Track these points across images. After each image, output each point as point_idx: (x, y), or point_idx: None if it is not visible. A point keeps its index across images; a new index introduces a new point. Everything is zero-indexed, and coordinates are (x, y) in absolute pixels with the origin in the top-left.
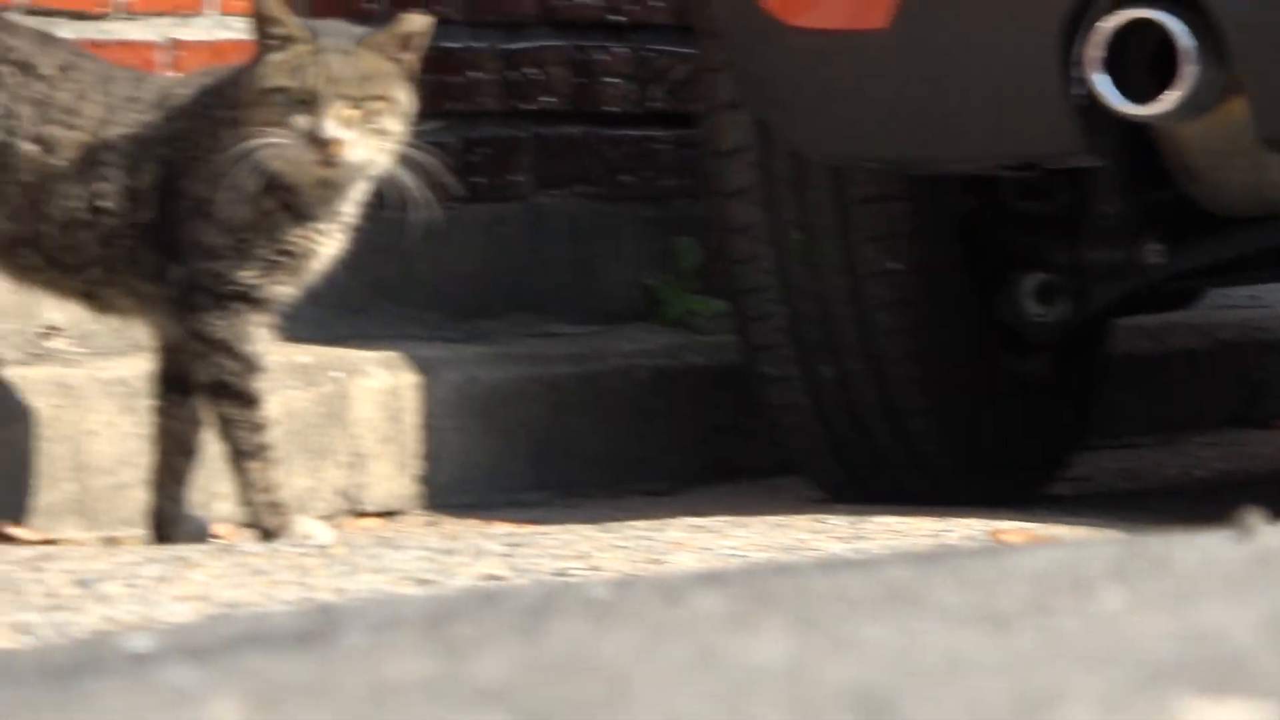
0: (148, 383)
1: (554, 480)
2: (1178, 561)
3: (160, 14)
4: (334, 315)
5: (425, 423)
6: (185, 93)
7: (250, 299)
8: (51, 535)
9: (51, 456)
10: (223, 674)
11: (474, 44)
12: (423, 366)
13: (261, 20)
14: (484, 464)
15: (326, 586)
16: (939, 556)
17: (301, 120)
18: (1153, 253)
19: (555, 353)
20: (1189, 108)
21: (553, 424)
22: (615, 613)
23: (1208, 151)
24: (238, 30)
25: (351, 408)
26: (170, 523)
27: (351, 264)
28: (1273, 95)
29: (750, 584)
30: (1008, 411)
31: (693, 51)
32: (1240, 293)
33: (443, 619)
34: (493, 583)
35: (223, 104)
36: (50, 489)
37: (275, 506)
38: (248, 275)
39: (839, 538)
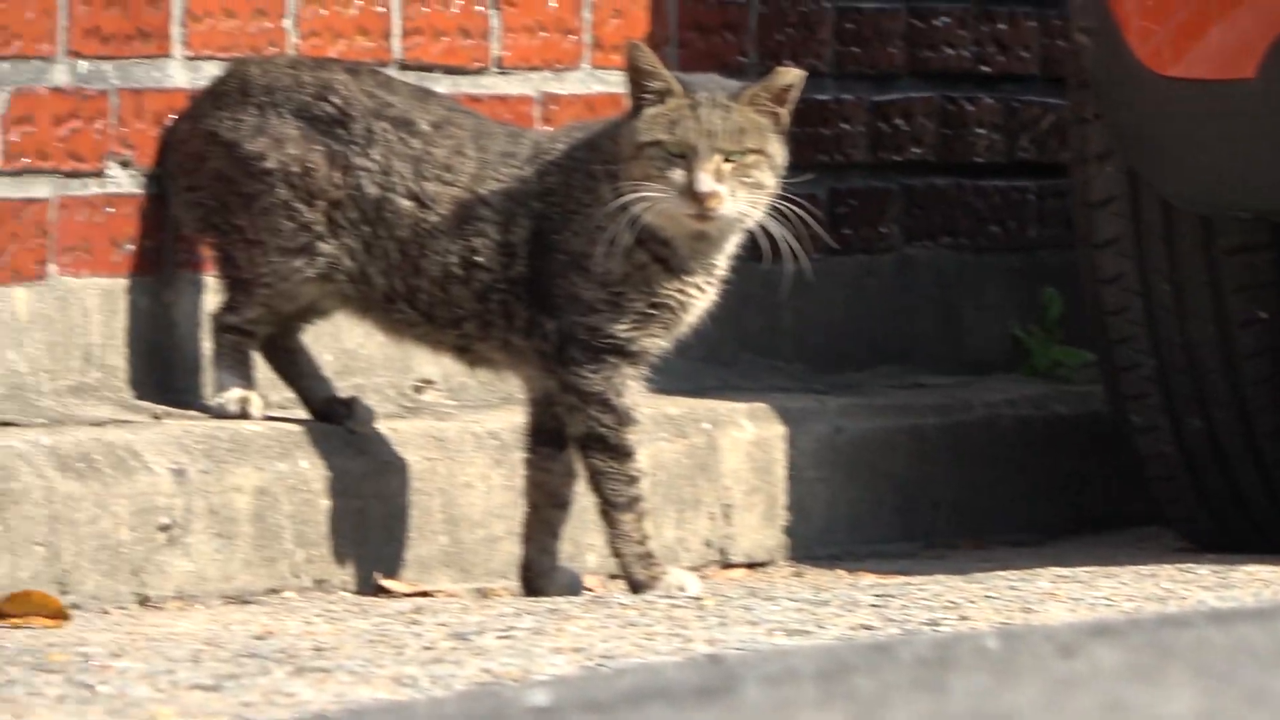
0: (519, 436)
1: (919, 531)
2: None
3: (534, 68)
4: (702, 367)
5: (792, 474)
6: (558, 147)
7: (624, 352)
8: (424, 587)
9: (425, 509)
10: None
11: (843, 96)
12: (790, 418)
13: (638, 74)
14: (849, 515)
15: (701, 638)
16: None
17: (677, 174)
18: None
19: (921, 403)
20: None
21: (918, 474)
22: (1012, 666)
23: None
24: (611, 84)
25: (721, 459)
26: (542, 575)
27: (719, 316)
28: None
29: (1143, 636)
30: None
31: (1060, 102)
32: None
33: (838, 672)
34: (867, 633)
35: (597, 158)
36: (423, 541)
37: (647, 558)
38: (622, 329)
39: (1205, 587)
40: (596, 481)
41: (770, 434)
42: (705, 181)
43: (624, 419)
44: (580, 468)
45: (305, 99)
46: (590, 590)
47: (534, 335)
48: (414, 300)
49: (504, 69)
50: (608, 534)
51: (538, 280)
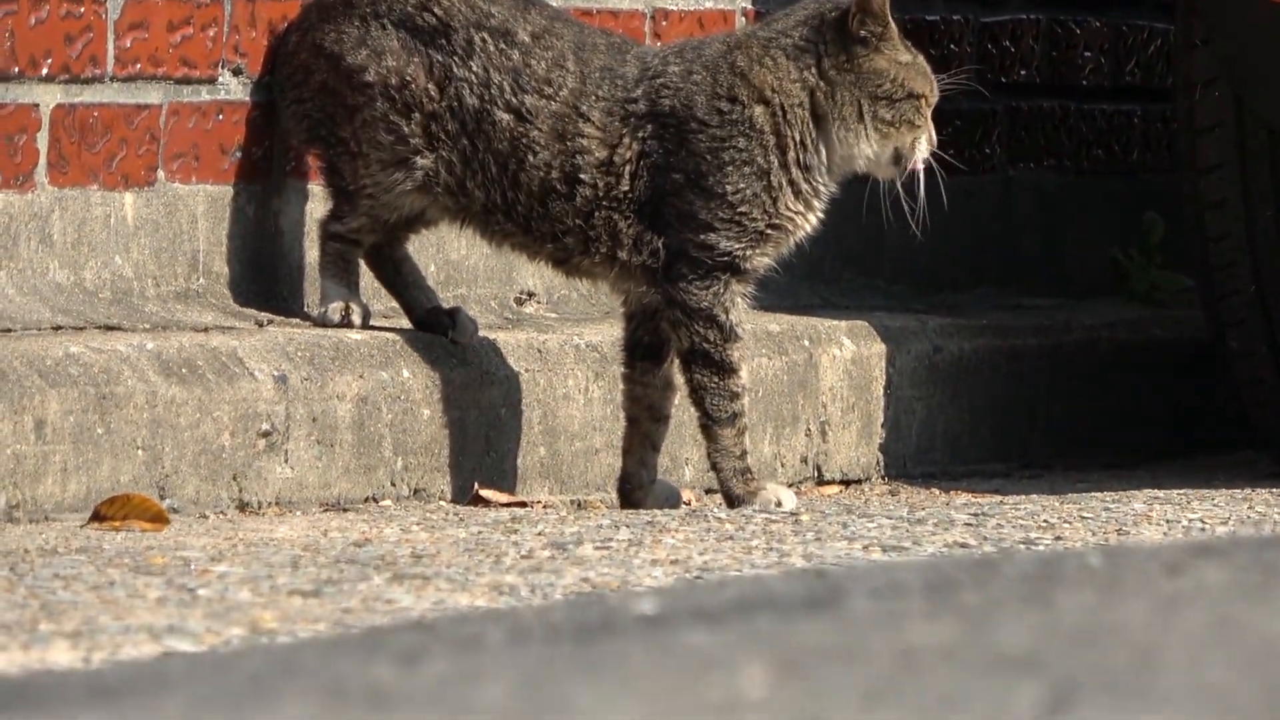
0: (618, 349)
1: (1015, 452)
2: None
3: None
4: (804, 285)
5: (889, 392)
6: (672, 69)
7: (737, 269)
8: (522, 498)
9: (525, 420)
10: (740, 638)
11: (952, 16)
12: (889, 336)
13: (867, 10)
14: (946, 434)
15: (798, 553)
16: None
17: (923, 129)
18: None
19: (1019, 324)
20: None
21: (1015, 396)
22: (1118, 583)
23: None
24: (723, 2)
25: (819, 376)
26: (640, 488)
27: (821, 234)
28: None
29: (1248, 555)
30: None
31: (1168, 26)
32: None
33: (944, 586)
34: (964, 553)
35: (721, 83)
36: (523, 452)
37: (745, 473)
38: (739, 247)
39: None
40: (699, 396)
41: (869, 352)
42: (933, 137)
43: (729, 335)
44: (682, 382)
45: (408, 10)
46: (687, 504)
47: (640, 251)
48: (512, 213)
49: None
50: (707, 448)
51: (647, 197)
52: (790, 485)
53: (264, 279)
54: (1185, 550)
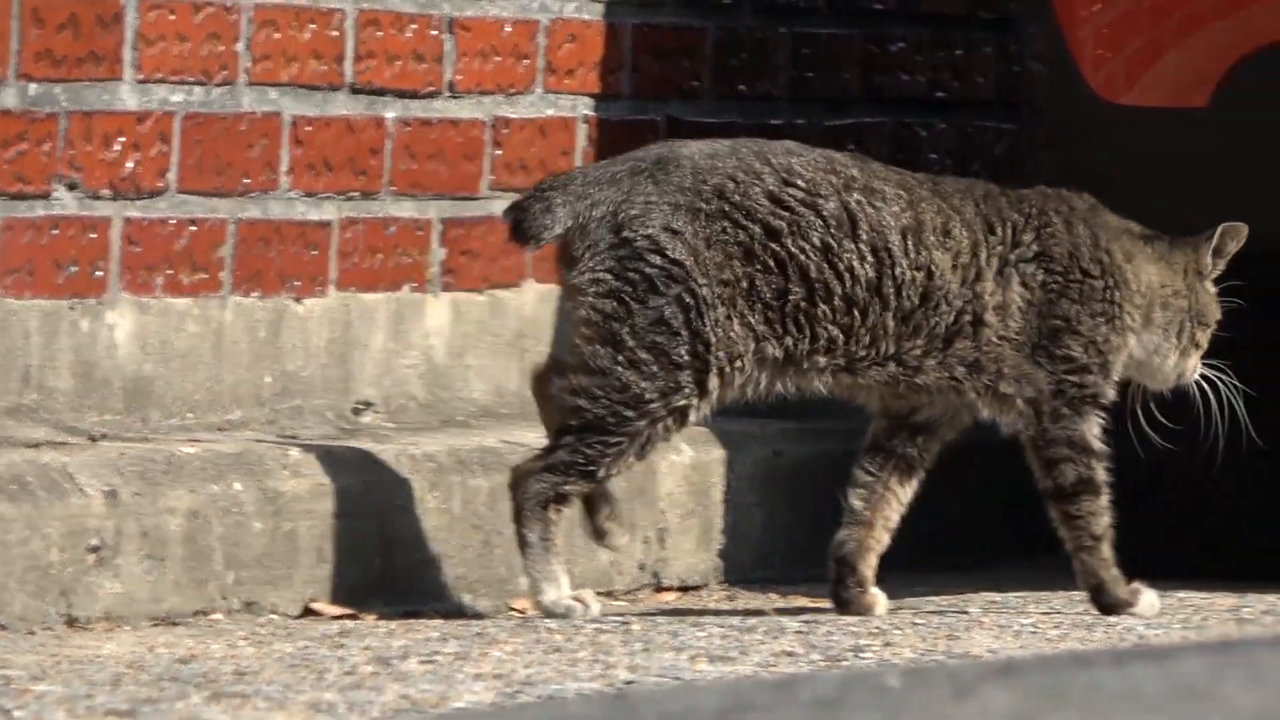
0: (457, 460)
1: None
2: None
3: (487, 92)
4: None
5: (729, 498)
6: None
7: None
8: (354, 610)
9: (360, 532)
10: None
11: (796, 120)
12: (728, 442)
13: (1223, 254)
14: (786, 538)
15: (624, 664)
16: (1234, 648)
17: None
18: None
19: (859, 428)
20: None
21: None
22: (907, 706)
23: None
24: (562, 108)
25: (658, 482)
26: (866, 589)
27: None
28: None
29: (1042, 678)
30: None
31: (1014, 128)
32: None
33: (736, 710)
34: (789, 662)
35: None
36: (358, 564)
37: (1120, 580)
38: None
39: (1139, 613)
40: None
41: (708, 458)
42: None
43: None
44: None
45: None
46: (520, 613)
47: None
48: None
49: (456, 93)
50: (1089, 565)
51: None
52: (628, 593)
53: (97, 393)
54: (982, 671)
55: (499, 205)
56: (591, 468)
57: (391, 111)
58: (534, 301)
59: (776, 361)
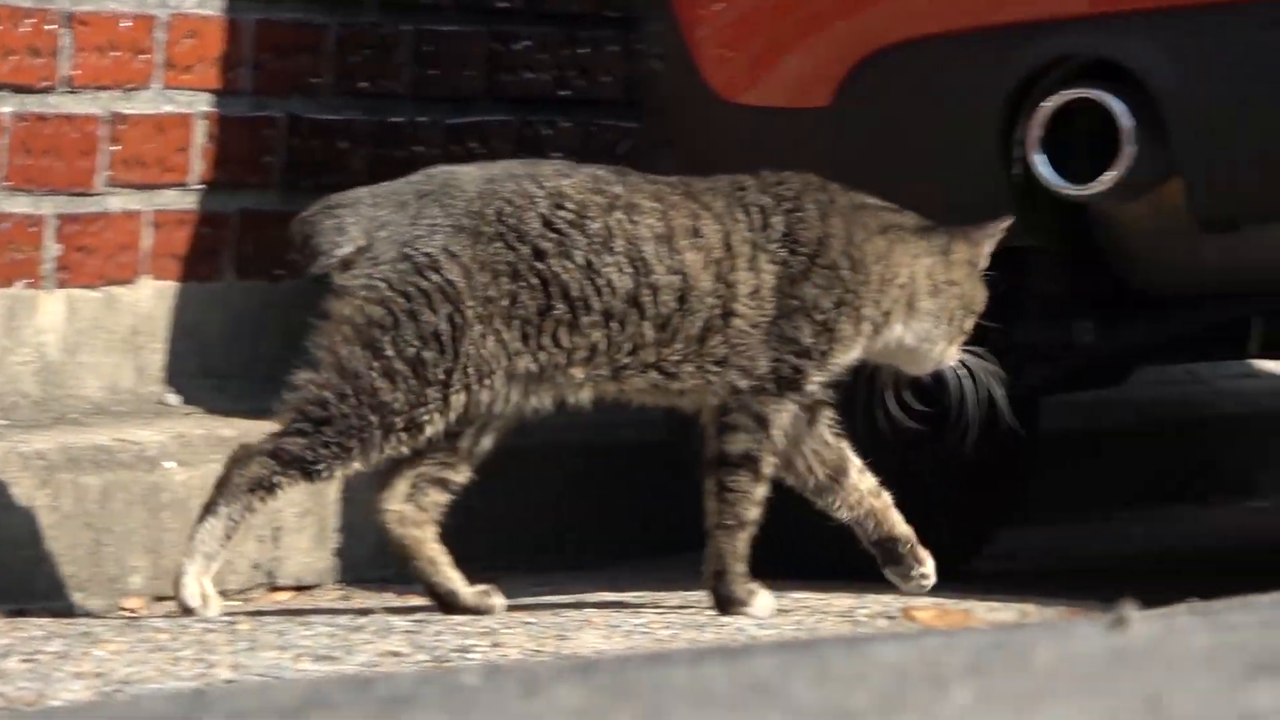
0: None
1: (479, 553)
2: (1037, 656)
3: (104, 87)
4: (266, 388)
5: (345, 496)
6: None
7: None
8: None
9: None
10: None
11: (419, 118)
12: None
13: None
14: None
15: (227, 663)
16: (806, 647)
17: None
18: (1086, 332)
19: None
20: (1127, 188)
21: (478, 498)
22: (477, 703)
23: (1144, 232)
24: (181, 104)
25: None
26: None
27: (283, 333)
28: (1209, 175)
29: (614, 676)
30: (934, 487)
31: (636, 126)
32: (1178, 369)
33: (303, 708)
34: (394, 661)
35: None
36: None
37: (746, 576)
38: None
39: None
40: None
41: None
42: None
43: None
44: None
45: None
46: (130, 612)
47: None
48: None
49: (73, 88)
50: (718, 548)
51: None
52: (241, 592)
53: None
54: (556, 670)
55: (115, 201)
56: (318, 466)
57: (7, 106)
58: (150, 298)
59: (531, 375)
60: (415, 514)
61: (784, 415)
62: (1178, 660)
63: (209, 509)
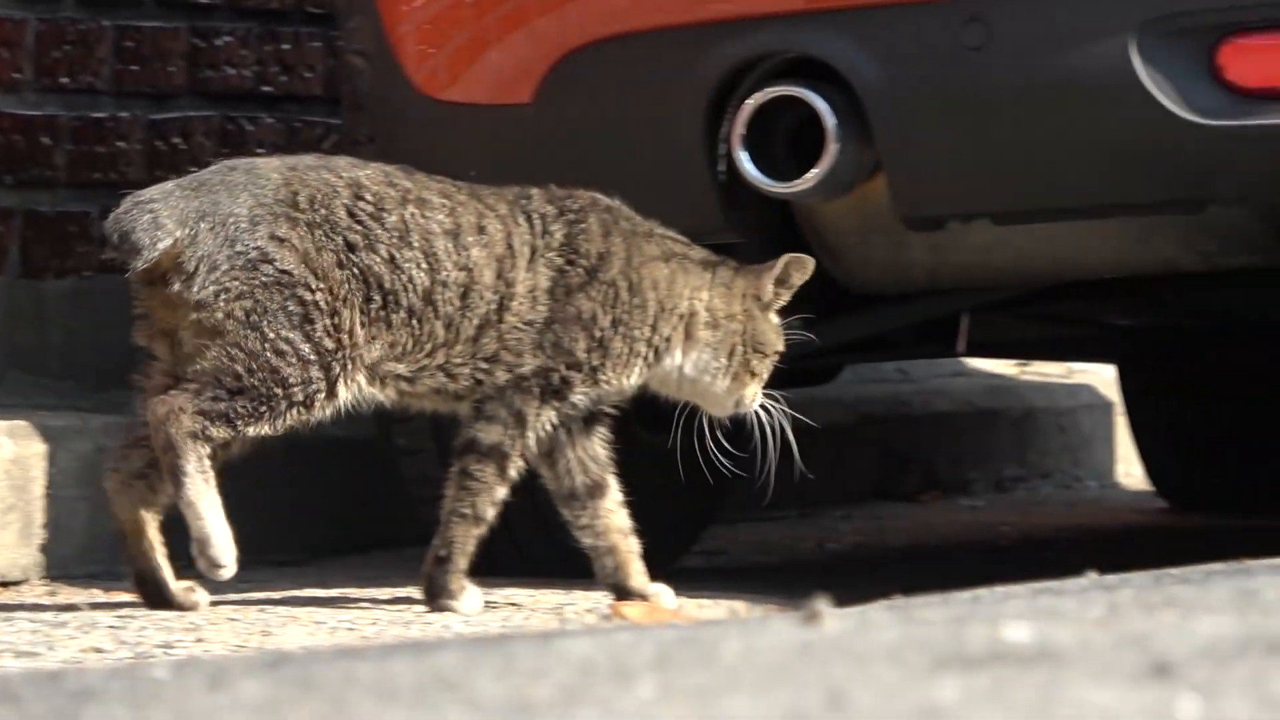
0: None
1: (181, 549)
2: (725, 651)
3: None
4: None
5: (51, 492)
6: None
7: None
8: None
9: None
10: None
11: (120, 114)
12: (50, 435)
13: (788, 286)
14: (111, 533)
15: None
16: (495, 642)
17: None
18: (794, 329)
19: None
20: (831, 186)
21: None
22: (161, 697)
23: (849, 230)
24: None
25: None
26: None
27: None
28: (912, 174)
29: (302, 670)
30: (640, 484)
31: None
32: (889, 367)
33: None
34: (98, 658)
35: None
36: None
37: (462, 574)
38: None
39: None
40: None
41: (29, 452)
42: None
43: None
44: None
45: None
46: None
47: None
48: None
49: None
50: (447, 535)
51: None
52: None
53: None
54: (245, 664)
55: None
56: (240, 423)
57: None
58: None
59: (372, 368)
60: (146, 494)
61: (542, 420)
62: (864, 654)
63: (176, 475)
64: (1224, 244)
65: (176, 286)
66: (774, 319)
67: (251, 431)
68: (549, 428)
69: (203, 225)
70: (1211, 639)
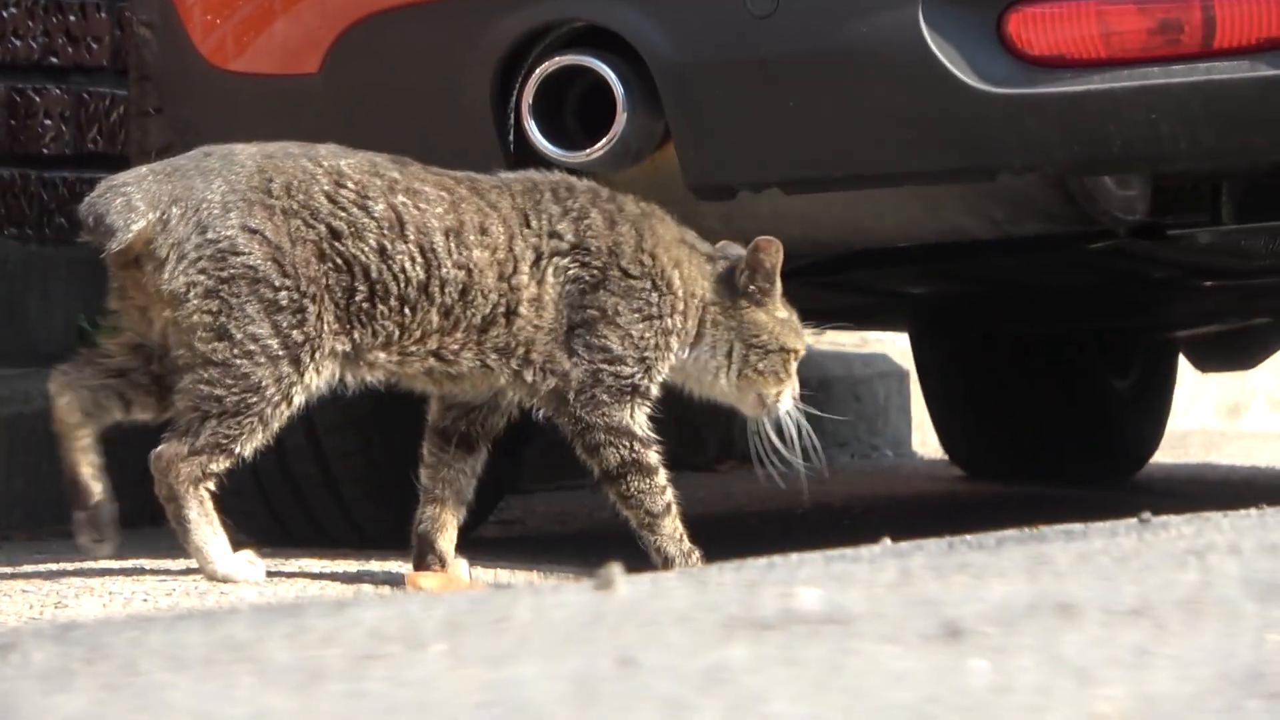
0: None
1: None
2: (516, 616)
3: None
4: None
5: None
6: None
7: None
8: None
9: None
10: None
11: None
12: None
13: (767, 271)
14: None
15: None
16: (288, 610)
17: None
18: None
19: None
20: (620, 155)
21: None
22: None
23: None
24: None
25: None
26: (445, 565)
27: None
28: (701, 143)
29: (92, 637)
30: None
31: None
32: None
33: None
34: None
35: None
36: None
37: (692, 552)
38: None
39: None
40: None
41: None
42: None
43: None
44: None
45: None
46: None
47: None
48: None
49: None
50: (648, 544)
51: None
52: None
53: None
54: (33, 633)
55: None
56: (234, 446)
57: None
58: None
59: (346, 356)
60: (89, 403)
61: (635, 414)
62: (656, 619)
63: (181, 523)
64: (1013, 212)
65: (149, 271)
66: (774, 313)
67: (249, 449)
68: (647, 425)
69: (174, 210)
70: (1003, 602)
